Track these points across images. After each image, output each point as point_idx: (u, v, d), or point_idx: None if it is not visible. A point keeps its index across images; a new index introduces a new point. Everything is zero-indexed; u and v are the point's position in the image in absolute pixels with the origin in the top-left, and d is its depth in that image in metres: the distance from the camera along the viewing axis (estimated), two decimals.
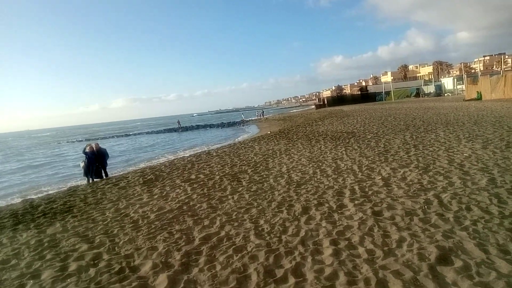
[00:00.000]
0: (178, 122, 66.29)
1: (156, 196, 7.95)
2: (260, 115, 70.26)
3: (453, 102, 34.29)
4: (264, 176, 8.98)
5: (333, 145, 13.21)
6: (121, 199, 8.10)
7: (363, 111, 34.38)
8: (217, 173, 9.98)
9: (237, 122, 60.39)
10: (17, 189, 14.79)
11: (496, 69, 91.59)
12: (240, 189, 7.84)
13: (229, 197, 7.24)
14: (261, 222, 5.57)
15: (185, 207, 6.77)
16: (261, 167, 10.30)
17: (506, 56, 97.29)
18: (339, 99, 77.12)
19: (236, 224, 5.58)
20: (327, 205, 6.12)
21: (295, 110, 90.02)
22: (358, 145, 12.50)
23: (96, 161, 13.40)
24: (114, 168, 16.64)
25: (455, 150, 9.74)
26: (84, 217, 6.88)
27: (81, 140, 54.42)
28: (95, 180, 13.13)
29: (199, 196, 7.51)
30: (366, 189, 6.82)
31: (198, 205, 6.86)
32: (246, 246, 4.67)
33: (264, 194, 7.18)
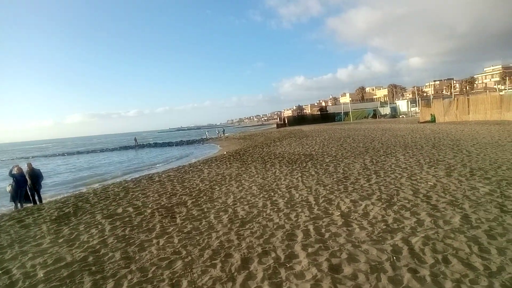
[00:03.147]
0: (135, 139, 65.51)
1: (61, 240, 6.21)
2: (220, 134, 69.01)
3: (409, 124, 34.82)
4: (205, 210, 7.54)
5: (289, 169, 12.06)
6: (15, 244, 6.24)
7: (322, 132, 34.01)
8: (150, 205, 8.37)
9: (196, 140, 58.90)
10: None
11: (445, 93, 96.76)
12: (171, 229, 6.33)
13: (154, 241, 5.72)
14: (184, 284, 4.14)
15: (91, 258, 5.16)
16: (205, 197, 8.85)
17: (454, 81, 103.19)
18: (299, 118, 77.59)
19: None
20: (273, 254, 4.81)
21: (257, 129, 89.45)
22: (316, 170, 11.43)
23: (25, 184, 11.94)
24: (47, 192, 14.59)
25: (418, 177, 8.90)
26: None
27: (28, 158, 50.34)
28: (24, 205, 11.65)
29: (116, 241, 5.90)
30: (323, 230, 5.61)
31: (110, 254, 5.28)
32: None
33: (198, 238, 5.75)
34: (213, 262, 4.71)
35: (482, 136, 16.99)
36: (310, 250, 4.86)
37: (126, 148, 54.09)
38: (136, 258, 5.06)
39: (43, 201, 12.15)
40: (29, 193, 12.11)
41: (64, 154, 54.43)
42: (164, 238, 5.82)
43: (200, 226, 6.39)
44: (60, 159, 44.12)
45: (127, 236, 6.10)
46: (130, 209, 8.16)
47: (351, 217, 6.16)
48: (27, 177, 12.03)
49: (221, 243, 5.38)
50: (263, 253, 4.87)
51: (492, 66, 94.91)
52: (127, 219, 7.30)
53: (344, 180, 9.34)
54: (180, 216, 7.19)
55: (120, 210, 8.11)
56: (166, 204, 8.36)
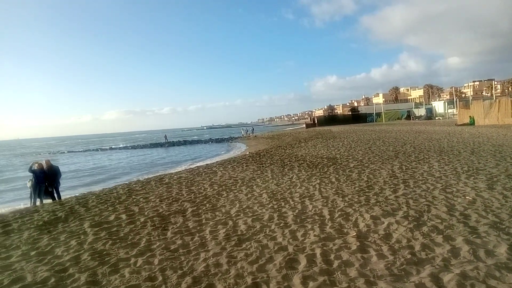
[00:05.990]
0: (165, 136, 65.88)
1: (34, 253, 5.51)
2: (249, 133, 68.43)
3: (445, 126, 32.62)
4: (203, 221, 6.67)
5: (308, 175, 11.00)
6: None
7: (352, 133, 32.50)
8: (146, 212, 7.60)
9: (225, 138, 58.65)
10: None
11: (485, 94, 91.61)
12: (157, 244, 5.50)
13: (132, 260, 4.90)
14: None
15: (52, 280, 4.40)
16: (208, 205, 7.99)
17: (496, 82, 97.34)
18: (330, 118, 76.01)
19: None
20: None
21: (286, 129, 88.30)
22: (337, 176, 10.32)
23: (45, 180, 11.68)
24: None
25: (454, 189, 7.63)
26: None
27: (63, 152, 51.99)
28: (44, 201, 11.39)
29: (90, 257, 5.12)
30: (332, 256, 4.59)
31: (77, 275, 4.50)
32: None
33: (183, 258, 4.88)
34: None
35: None
36: (311, 284, 3.87)
37: (156, 145, 54.07)
38: (103, 283, 4.25)
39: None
40: (49, 189, 11.89)
41: (98, 149, 55.72)
42: (145, 257, 4.98)
43: (190, 242, 5.52)
44: (92, 154, 45.19)
45: (105, 252, 5.31)
46: (123, 216, 7.41)
47: (369, 239, 5.09)
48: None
49: (207, 268, 4.48)
50: (252, 286, 3.93)
51: None
52: (115, 229, 6.53)
53: (367, 190, 8.21)
54: (173, 228, 6.34)
55: (112, 217, 7.37)
56: (164, 212, 7.56)
